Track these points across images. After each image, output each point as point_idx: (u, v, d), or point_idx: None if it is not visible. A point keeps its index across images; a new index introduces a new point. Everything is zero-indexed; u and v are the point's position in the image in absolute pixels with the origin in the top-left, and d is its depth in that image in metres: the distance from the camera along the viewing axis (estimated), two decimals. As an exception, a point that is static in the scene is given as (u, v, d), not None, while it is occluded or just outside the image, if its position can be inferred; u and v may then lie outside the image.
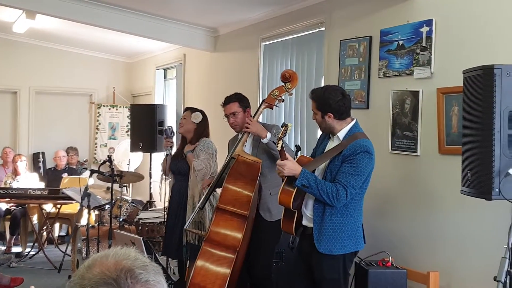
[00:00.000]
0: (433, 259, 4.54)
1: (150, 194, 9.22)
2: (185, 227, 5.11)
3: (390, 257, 4.46)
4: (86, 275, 1.32)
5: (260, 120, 5.11)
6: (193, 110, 5.82)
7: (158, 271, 1.37)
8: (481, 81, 3.29)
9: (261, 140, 4.79)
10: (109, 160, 6.05)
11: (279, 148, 3.80)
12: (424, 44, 4.63)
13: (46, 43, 10.93)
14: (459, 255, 4.32)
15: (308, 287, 4.13)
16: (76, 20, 7.81)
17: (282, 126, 3.91)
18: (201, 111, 5.81)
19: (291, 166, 3.83)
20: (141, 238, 4.12)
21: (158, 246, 6.90)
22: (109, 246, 5.87)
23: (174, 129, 6.01)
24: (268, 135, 4.74)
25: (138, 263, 1.34)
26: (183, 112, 5.93)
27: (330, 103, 3.94)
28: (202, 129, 5.74)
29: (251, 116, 5.05)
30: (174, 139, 6.11)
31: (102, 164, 6.24)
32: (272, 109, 5.06)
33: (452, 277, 4.36)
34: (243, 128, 4.88)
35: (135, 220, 7.01)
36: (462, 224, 4.29)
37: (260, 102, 5.00)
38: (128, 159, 9.90)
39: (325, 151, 4.05)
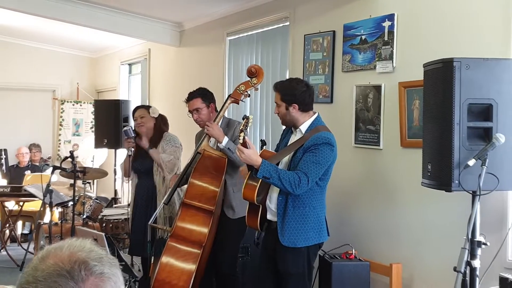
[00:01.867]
0: (396, 251, 4.59)
1: (115, 191, 9.14)
2: (149, 222, 5.07)
3: (353, 250, 4.50)
4: (39, 266, 1.29)
5: (226, 115, 5.09)
6: (145, 107, 5.76)
7: (114, 263, 1.35)
8: (440, 74, 3.33)
9: (218, 144, 4.76)
10: (71, 156, 5.97)
11: (241, 141, 3.79)
12: (386, 38, 4.67)
13: (7, 37, 10.73)
14: (421, 246, 4.38)
15: (273, 282, 4.14)
16: (38, 14, 7.69)
17: (243, 119, 3.90)
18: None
19: (251, 155, 3.78)
20: (103, 234, 4.07)
21: (122, 243, 6.85)
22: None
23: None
24: (225, 140, 4.69)
25: (93, 255, 1.33)
26: (134, 114, 5.78)
27: (295, 93, 3.96)
28: (162, 123, 5.68)
29: (216, 111, 5.04)
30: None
31: (64, 160, 6.15)
32: (238, 104, 5.04)
33: (415, 269, 4.41)
34: (205, 130, 4.85)
35: (99, 217, 6.93)
36: (424, 216, 4.35)
37: (226, 97, 4.99)
38: (92, 155, 9.79)
39: (288, 144, 4.06)
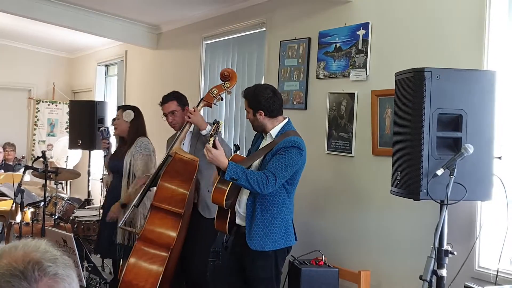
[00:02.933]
0: (365, 258, 4.61)
1: (89, 192, 9.08)
2: (119, 225, 5.03)
3: (323, 256, 4.51)
4: None
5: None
6: (124, 108, 5.70)
7: (69, 264, 1.34)
8: (411, 83, 3.35)
9: (200, 132, 4.75)
10: (43, 156, 5.91)
11: (210, 144, 3.78)
12: (360, 47, 4.69)
13: (-17, 36, 10.66)
14: (390, 254, 4.40)
15: (242, 286, 4.14)
16: (14, 13, 7.63)
17: (213, 123, 3.90)
18: (134, 108, 5.68)
19: (218, 156, 3.76)
20: (72, 235, 4.04)
21: (94, 245, 6.80)
22: (42, 244, 5.74)
23: (111, 130, 5.86)
24: (208, 127, 4.70)
25: (48, 255, 1.31)
26: (116, 112, 5.80)
27: (261, 100, 3.97)
28: (136, 127, 5.55)
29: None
30: (112, 139, 5.97)
31: (35, 160, 6.09)
32: (211, 107, 5.04)
33: (383, 276, 4.43)
34: (185, 118, 4.83)
35: (71, 218, 6.88)
36: (393, 224, 4.37)
37: (199, 101, 4.97)
38: (66, 156, 9.72)
39: (258, 149, 4.07)
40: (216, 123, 3.84)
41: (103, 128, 5.61)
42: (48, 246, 1.35)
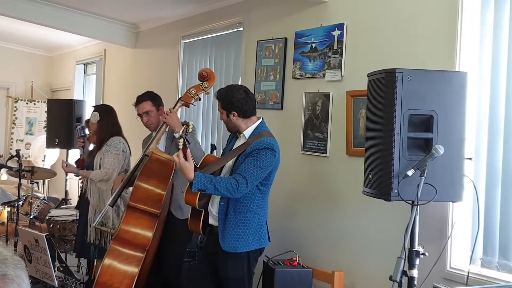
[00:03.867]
0: (339, 258, 4.62)
1: (66, 192, 9.01)
2: (93, 225, 5.00)
3: (297, 257, 4.50)
4: None
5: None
6: (94, 109, 5.65)
7: (20, 265, 1.33)
8: (383, 84, 3.36)
9: (174, 134, 4.73)
10: (18, 155, 5.87)
11: (180, 147, 3.75)
12: (335, 47, 4.70)
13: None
14: (363, 254, 4.41)
15: (214, 286, 4.13)
16: (-9, 11, 7.56)
17: (182, 125, 3.88)
18: (103, 108, 5.65)
19: (185, 169, 3.69)
20: (43, 235, 4.01)
21: (70, 245, 6.75)
22: (15, 244, 5.71)
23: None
24: (181, 131, 4.67)
25: None
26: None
27: (233, 101, 3.96)
28: (105, 127, 5.49)
29: (164, 114, 5.00)
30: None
31: (10, 158, 6.05)
32: (189, 107, 5.02)
33: (356, 276, 4.44)
34: (161, 118, 4.82)
35: (47, 217, 6.83)
36: (366, 224, 4.39)
37: (176, 100, 4.95)
38: (43, 155, 9.64)
39: (232, 149, 4.06)
40: (185, 124, 3.83)
41: (79, 126, 5.59)
42: None
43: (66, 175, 8.57)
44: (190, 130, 3.85)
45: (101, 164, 5.36)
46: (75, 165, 5.57)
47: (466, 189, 3.45)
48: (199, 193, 3.86)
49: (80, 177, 5.71)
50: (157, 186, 4.65)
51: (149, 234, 4.60)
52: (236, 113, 3.98)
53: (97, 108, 5.67)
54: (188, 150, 3.75)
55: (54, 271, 4.05)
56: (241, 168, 3.82)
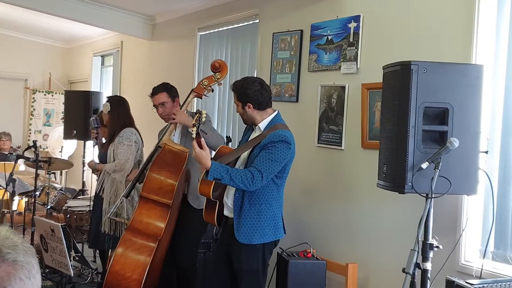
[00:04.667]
0: (353, 251, 4.62)
1: (83, 183, 9.07)
2: (107, 215, 5.05)
3: (311, 249, 4.51)
4: None
5: (190, 110, 5.07)
6: (107, 99, 5.70)
7: (30, 252, 1.35)
8: (398, 77, 3.35)
9: (189, 130, 4.75)
10: (34, 145, 5.92)
11: (193, 136, 3.77)
12: (351, 39, 4.68)
13: (-21, 25, 10.65)
14: (378, 247, 4.40)
15: (228, 278, 4.14)
16: (10, 3, 7.61)
17: (195, 113, 3.90)
18: (114, 99, 5.70)
19: (202, 158, 3.74)
20: (59, 225, 4.05)
21: (86, 235, 6.80)
22: (32, 233, 5.77)
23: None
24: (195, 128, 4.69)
25: (8, 242, 1.32)
26: None
27: (248, 93, 3.96)
28: (116, 118, 5.54)
29: (180, 105, 5.02)
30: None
31: (27, 149, 6.11)
32: (201, 98, 5.04)
33: (370, 269, 4.44)
34: (170, 120, 4.85)
35: (64, 208, 6.88)
36: (380, 217, 4.38)
37: (189, 92, 4.97)
38: (61, 146, 9.72)
39: (247, 141, 4.07)
40: (198, 113, 3.84)
41: (92, 118, 5.63)
42: (9, 233, 1.36)
43: (83, 166, 8.64)
44: (204, 119, 3.86)
45: (114, 155, 5.39)
46: (93, 162, 5.61)
47: (481, 182, 3.44)
48: (213, 183, 3.88)
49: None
50: (169, 177, 4.68)
51: (162, 224, 4.64)
52: (251, 105, 3.98)
53: (109, 99, 5.71)
54: (202, 139, 3.77)
55: (70, 260, 4.08)
56: (256, 161, 3.83)
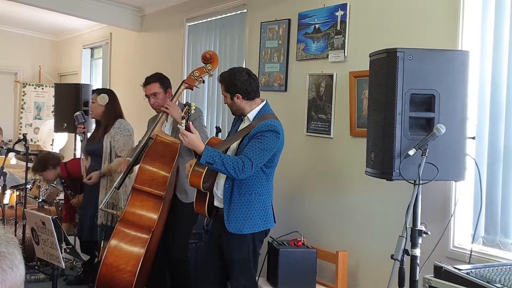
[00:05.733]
0: (343, 238, 4.64)
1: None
2: (100, 207, 5.05)
3: (302, 237, 4.53)
4: None
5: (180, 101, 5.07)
6: (99, 91, 5.71)
7: (12, 242, 1.35)
8: (384, 64, 3.35)
9: (178, 125, 4.74)
10: (24, 139, 5.91)
11: (183, 128, 3.78)
12: (338, 28, 4.69)
13: (-32, 19, 10.59)
14: (367, 234, 4.43)
15: (219, 268, 4.16)
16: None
17: (184, 105, 3.90)
18: (108, 91, 5.72)
19: (194, 140, 3.78)
20: (50, 217, 4.04)
21: (78, 227, 6.80)
22: (23, 227, 5.77)
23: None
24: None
25: None
26: (91, 96, 5.78)
27: (236, 83, 3.97)
28: (112, 110, 5.61)
29: (172, 96, 5.02)
30: (89, 123, 5.97)
31: (17, 142, 6.10)
32: (192, 89, 5.04)
33: (360, 256, 4.46)
34: (163, 108, 4.85)
35: (55, 200, 6.88)
36: (370, 204, 4.40)
37: (180, 83, 4.97)
38: (52, 139, 9.69)
39: (237, 132, 4.08)
40: (187, 105, 3.84)
41: (77, 113, 5.63)
42: None
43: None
44: (193, 111, 3.87)
45: (113, 147, 5.40)
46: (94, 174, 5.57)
47: (469, 168, 3.45)
48: (203, 175, 3.89)
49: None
50: (161, 169, 4.69)
51: (154, 216, 4.65)
52: (240, 96, 3.99)
53: (104, 90, 5.72)
54: (190, 122, 3.78)
55: (61, 253, 4.08)
56: (246, 150, 3.84)
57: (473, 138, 3.61)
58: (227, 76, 4.04)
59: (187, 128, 3.77)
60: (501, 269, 3.00)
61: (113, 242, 4.58)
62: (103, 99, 5.54)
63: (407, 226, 3.13)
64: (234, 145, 4.04)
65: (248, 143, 3.88)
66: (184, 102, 4.21)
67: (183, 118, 3.80)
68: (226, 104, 4.14)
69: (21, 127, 11.22)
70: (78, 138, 5.71)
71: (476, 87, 3.67)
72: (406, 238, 3.08)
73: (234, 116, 4.29)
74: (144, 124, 5.46)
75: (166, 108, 4.76)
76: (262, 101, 4.09)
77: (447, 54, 3.40)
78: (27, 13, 9.36)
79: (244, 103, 4.01)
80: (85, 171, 5.65)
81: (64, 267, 4.34)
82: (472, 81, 3.47)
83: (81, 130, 5.64)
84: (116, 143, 5.41)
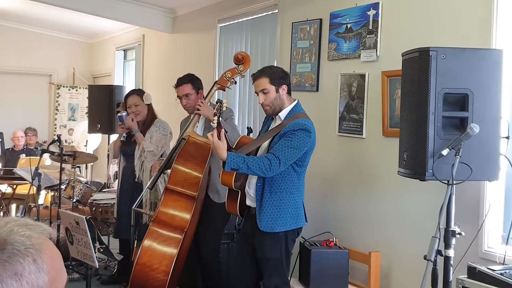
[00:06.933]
0: (375, 239, 4.62)
1: (108, 176, 9.16)
2: (133, 207, 5.10)
3: (334, 238, 4.51)
4: None
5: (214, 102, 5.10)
6: (139, 92, 5.78)
7: (29, 250, 1.28)
8: (417, 63, 3.33)
9: (211, 124, 4.76)
10: (58, 139, 5.99)
11: (215, 125, 3.80)
12: (370, 27, 4.66)
13: (3, 22, 10.76)
14: (401, 235, 4.39)
15: (252, 267, 4.17)
16: (34, -1, 7.70)
17: (216, 103, 3.92)
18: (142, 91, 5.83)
19: (217, 149, 3.76)
20: (84, 217, 4.09)
21: (112, 227, 6.87)
22: (58, 227, 5.85)
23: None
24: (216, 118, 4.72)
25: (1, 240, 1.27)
26: (127, 99, 5.73)
27: (282, 75, 4.02)
28: (152, 109, 5.75)
29: (204, 97, 5.05)
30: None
31: (51, 143, 6.19)
32: (224, 90, 5.05)
33: (393, 257, 4.43)
34: (195, 108, 4.88)
35: (89, 201, 6.97)
36: (403, 205, 4.37)
37: (213, 84, 5.00)
38: (86, 140, 9.81)
39: (268, 131, 4.09)
40: (219, 102, 3.86)
41: (123, 113, 5.65)
42: (14, 227, 1.29)
43: (108, 159, 8.72)
44: (224, 108, 3.88)
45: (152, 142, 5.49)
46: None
47: (503, 168, 3.41)
48: (234, 173, 3.91)
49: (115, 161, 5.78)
50: (194, 169, 4.72)
51: (187, 216, 4.68)
52: (286, 87, 4.02)
53: (139, 91, 5.78)
54: (223, 130, 3.79)
55: (95, 252, 4.13)
56: (275, 148, 3.84)
57: (507, 137, 3.56)
58: (269, 69, 4.08)
59: (219, 130, 3.77)
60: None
61: (146, 242, 4.63)
62: (149, 97, 5.65)
63: (440, 227, 3.10)
64: (265, 144, 4.04)
65: (278, 141, 3.88)
66: (216, 100, 4.25)
67: (215, 115, 3.82)
68: (262, 103, 4.07)
69: (55, 128, 11.36)
70: (119, 137, 5.74)
71: (510, 86, 3.61)
72: (439, 239, 3.06)
73: (265, 117, 4.30)
74: (176, 125, 5.51)
75: (198, 108, 4.79)
76: (294, 101, 4.09)
77: (480, 53, 3.37)
78: (61, 16, 9.48)
79: (285, 96, 4.03)
80: (110, 174, 5.73)
81: (98, 267, 4.39)
82: (505, 80, 3.43)
83: (124, 130, 5.69)
84: (151, 139, 5.48)
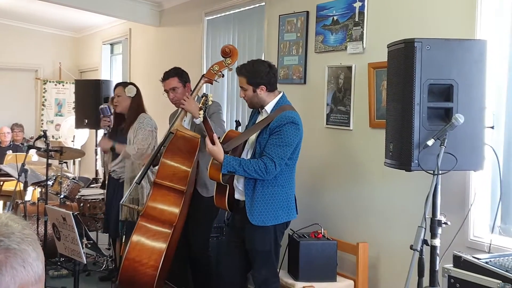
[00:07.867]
0: (363, 230, 4.64)
1: (96, 171, 9.15)
2: (121, 202, 5.09)
3: (322, 229, 4.53)
4: None
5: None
6: (125, 84, 5.74)
7: (28, 239, 1.32)
8: (402, 54, 3.35)
9: (194, 120, 4.74)
10: (44, 135, 5.97)
11: (201, 119, 3.81)
12: (356, 19, 4.67)
13: (-11, 17, 10.69)
14: (388, 226, 4.42)
15: (241, 260, 4.19)
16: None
17: (201, 97, 3.92)
18: (134, 85, 5.73)
19: (215, 153, 3.86)
20: (70, 213, 4.09)
21: (100, 223, 6.86)
22: (45, 223, 5.83)
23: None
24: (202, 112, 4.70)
25: (3, 230, 1.30)
26: (114, 90, 5.78)
27: (262, 75, 3.98)
28: (137, 103, 5.64)
29: (191, 90, 5.04)
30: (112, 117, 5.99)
31: (37, 139, 6.16)
32: (212, 84, 5.04)
33: (381, 248, 4.46)
34: (180, 105, 4.86)
35: (77, 196, 6.94)
36: (390, 196, 4.39)
37: (200, 77, 4.98)
38: (73, 135, 9.78)
39: (255, 124, 4.09)
40: (204, 96, 3.86)
41: (103, 105, 5.64)
42: (10, 221, 1.33)
43: (96, 155, 8.70)
44: (210, 102, 3.88)
45: (135, 140, 5.42)
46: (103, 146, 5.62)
47: (488, 158, 3.44)
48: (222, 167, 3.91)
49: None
50: (182, 163, 4.71)
51: (176, 210, 4.67)
52: (264, 87, 4.00)
53: (130, 83, 5.74)
54: (215, 134, 3.81)
55: (82, 248, 4.13)
56: (267, 148, 3.86)
57: (492, 127, 3.58)
58: (250, 68, 4.05)
59: (211, 136, 3.80)
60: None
61: (135, 237, 4.61)
62: (131, 90, 5.56)
63: (426, 217, 3.12)
64: (253, 138, 4.05)
65: (268, 137, 3.89)
66: (202, 94, 4.24)
67: (200, 109, 3.83)
68: (243, 97, 4.13)
69: (42, 124, 11.30)
70: (102, 131, 5.70)
71: (494, 76, 3.63)
72: (425, 229, 3.08)
73: (251, 110, 4.30)
74: (164, 120, 5.49)
75: (182, 103, 4.75)
76: (279, 93, 4.10)
77: (465, 43, 3.38)
78: (46, 10, 9.43)
79: (265, 95, 4.02)
80: (103, 166, 5.68)
81: (85, 262, 4.39)
82: (489, 70, 3.45)
83: (107, 123, 5.66)
84: (136, 137, 5.42)
